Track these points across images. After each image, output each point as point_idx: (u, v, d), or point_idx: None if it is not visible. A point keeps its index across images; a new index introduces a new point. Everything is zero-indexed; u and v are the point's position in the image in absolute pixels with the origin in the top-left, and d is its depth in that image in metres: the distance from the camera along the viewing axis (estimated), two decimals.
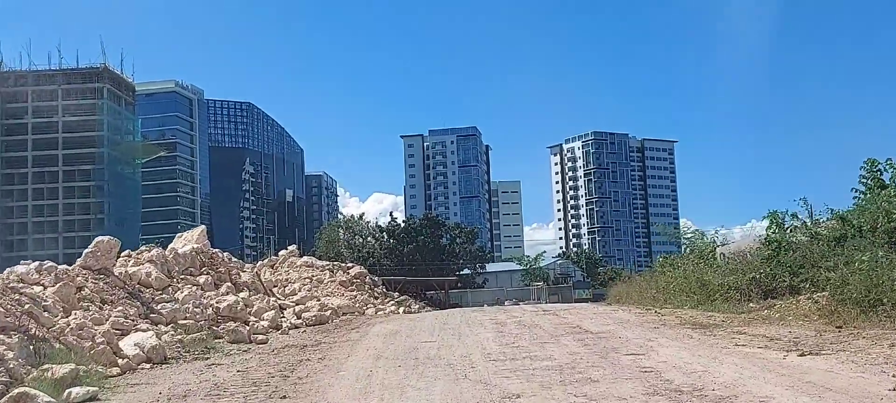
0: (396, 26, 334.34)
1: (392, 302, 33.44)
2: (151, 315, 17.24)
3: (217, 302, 20.36)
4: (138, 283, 20.44)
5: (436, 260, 72.57)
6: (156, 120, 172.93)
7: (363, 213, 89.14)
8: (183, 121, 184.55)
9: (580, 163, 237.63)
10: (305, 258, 37.70)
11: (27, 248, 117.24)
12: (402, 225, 76.41)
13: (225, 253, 29.81)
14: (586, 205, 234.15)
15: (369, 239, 79.55)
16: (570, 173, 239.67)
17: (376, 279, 39.53)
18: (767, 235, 22.67)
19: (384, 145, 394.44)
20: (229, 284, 24.58)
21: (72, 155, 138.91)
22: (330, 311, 24.97)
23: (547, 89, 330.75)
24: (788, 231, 22.27)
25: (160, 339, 14.06)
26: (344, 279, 34.06)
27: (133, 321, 15.75)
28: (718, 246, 30.54)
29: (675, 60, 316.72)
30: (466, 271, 76.36)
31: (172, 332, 15.87)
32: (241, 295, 23.22)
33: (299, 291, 30.67)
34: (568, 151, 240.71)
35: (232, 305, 20.26)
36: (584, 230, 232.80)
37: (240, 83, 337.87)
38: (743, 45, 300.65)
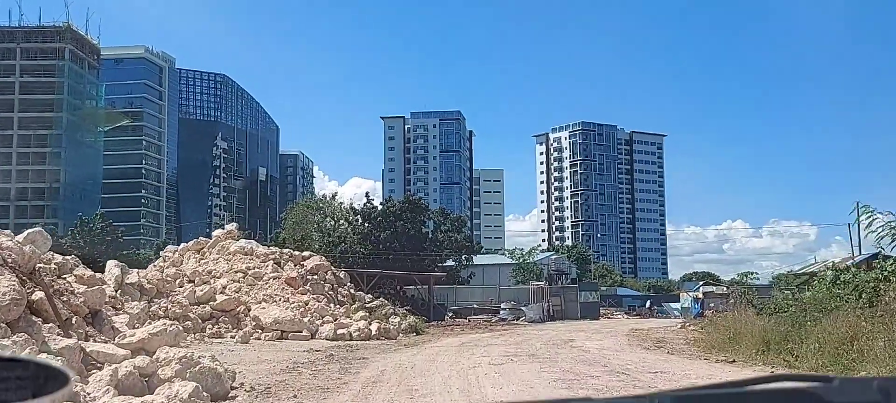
0: (381, 3, 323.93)
1: (361, 310, 24.49)
2: None
3: None
4: None
5: (417, 249, 63.63)
6: (123, 87, 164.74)
7: (336, 193, 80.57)
8: (151, 89, 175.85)
9: (566, 153, 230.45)
10: (243, 242, 28.37)
11: None
12: (380, 207, 67.35)
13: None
14: (571, 198, 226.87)
15: (342, 222, 70.62)
16: (556, 163, 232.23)
17: (342, 275, 30.31)
18: None
19: (365, 129, 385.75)
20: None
21: (28, 118, 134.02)
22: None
23: (535, 76, 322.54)
24: None
25: None
26: (294, 275, 24.97)
27: None
28: None
29: (667, 51, 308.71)
30: (451, 263, 67.45)
31: None
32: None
33: (225, 290, 21.78)
34: (554, 141, 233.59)
35: None
36: (567, 223, 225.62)
37: (214, 53, 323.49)
38: (739, 37, 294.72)
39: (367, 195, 69.71)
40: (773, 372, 12.90)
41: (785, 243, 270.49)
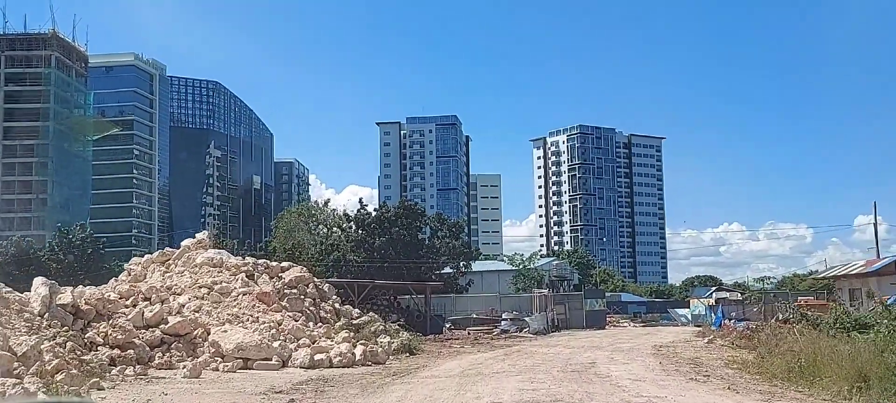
0: (375, 6, 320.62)
1: (345, 330, 21.13)
2: None
3: None
4: None
5: (413, 255, 60.53)
6: (112, 95, 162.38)
7: (328, 200, 77.48)
8: (142, 97, 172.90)
9: (564, 157, 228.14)
10: (212, 253, 24.83)
11: None
12: (374, 213, 64.22)
13: None
14: (569, 202, 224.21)
15: (335, 229, 67.55)
16: (554, 168, 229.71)
17: (326, 287, 26.86)
18: None
19: (361, 136, 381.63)
20: None
21: (14, 128, 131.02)
22: None
23: (531, 79, 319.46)
24: None
25: None
26: (268, 289, 21.60)
27: None
28: None
29: (664, 53, 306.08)
30: (449, 270, 64.31)
31: None
32: None
33: (183, 309, 18.46)
34: (552, 145, 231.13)
35: None
36: (566, 228, 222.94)
37: (206, 60, 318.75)
38: (737, 40, 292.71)
39: (360, 201, 66.74)
40: None
41: (782, 245, 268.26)
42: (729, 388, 12.55)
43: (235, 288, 21.62)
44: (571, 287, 75.31)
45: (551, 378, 14.46)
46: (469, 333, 42.93)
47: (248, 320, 19.31)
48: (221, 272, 23.04)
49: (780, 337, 17.61)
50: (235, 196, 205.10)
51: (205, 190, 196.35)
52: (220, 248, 49.24)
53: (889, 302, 32.87)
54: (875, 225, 57.22)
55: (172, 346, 17.63)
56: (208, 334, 17.96)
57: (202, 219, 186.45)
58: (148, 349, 17.24)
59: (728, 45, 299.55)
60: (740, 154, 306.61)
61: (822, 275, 56.10)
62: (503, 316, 47.06)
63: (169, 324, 17.84)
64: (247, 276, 22.96)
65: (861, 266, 46.18)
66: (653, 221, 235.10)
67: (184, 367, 15.71)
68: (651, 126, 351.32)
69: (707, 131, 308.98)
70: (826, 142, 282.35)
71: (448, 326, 46.03)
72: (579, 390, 11.87)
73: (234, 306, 20.31)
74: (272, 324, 19.33)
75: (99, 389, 13.21)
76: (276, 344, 17.97)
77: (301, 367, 17.51)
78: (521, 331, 43.54)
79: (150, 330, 17.81)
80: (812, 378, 12.32)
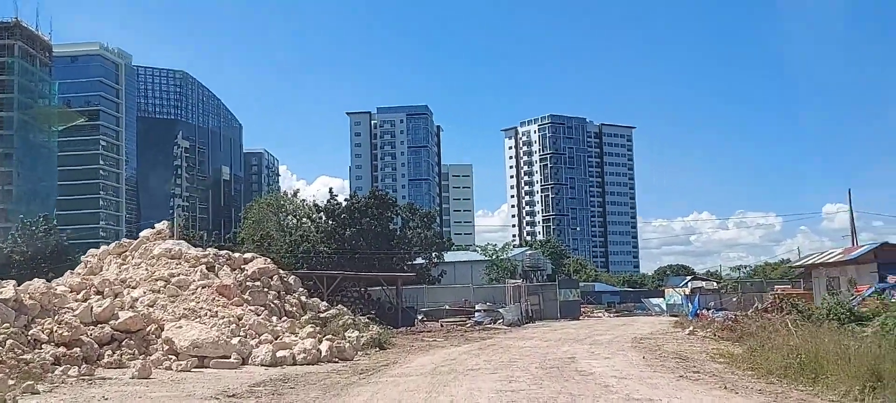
0: None
1: (311, 324, 19.95)
2: None
3: None
4: None
5: (384, 246, 59.38)
6: (78, 85, 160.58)
7: (297, 190, 76.09)
8: (108, 87, 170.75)
9: (536, 147, 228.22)
10: (171, 243, 23.46)
11: None
12: (344, 204, 62.96)
13: None
14: (541, 192, 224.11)
15: (304, 220, 66.25)
16: (525, 158, 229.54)
17: (292, 280, 25.62)
18: None
19: (332, 126, 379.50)
20: None
21: None
22: None
23: (503, 69, 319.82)
24: None
25: None
26: (228, 282, 20.38)
27: None
28: None
29: (635, 42, 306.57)
30: (421, 261, 63.20)
31: None
32: None
33: (139, 301, 17.23)
34: (523, 135, 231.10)
35: None
36: (538, 217, 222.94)
37: (173, 50, 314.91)
38: (707, 29, 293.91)
39: (330, 191, 65.40)
40: None
41: (751, 234, 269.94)
42: (725, 388, 11.55)
43: (194, 280, 20.37)
44: (545, 277, 74.36)
45: (530, 376, 13.41)
46: (442, 325, 41.88)
47: (205, 315, 18.10)
48: (180, 264, 21.75)
49: (773, 330, 16.67)
50: (204, 187, 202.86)
51: (173, 181, 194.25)
52: (187, 240, 47.91)
53: (867, 292, 32.20)
54: (851, 213, 56.84)
55: (123, 344, 16.39)
56: (162, 330, 16.76)
57: (171, 211, 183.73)
58: (97, 347, 15.98)
59: (698, 36, 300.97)
60: (710, 143, 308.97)
61: (797, 264, 55.56)
62: (477, 308, 46.01)
63: (119, 320, 16.62)
64: (207, 268, 21.69)
65: (839, 254, 45.50)
66: (624, 211, 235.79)
67: (134, 367, 14.51)
68: (622, 116, 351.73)
69: (677, 121, 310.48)
70: (795, 132, 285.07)
71: (420, 318, 44.97)
72: (563, 391, 10.84)
73: (192, 300, 19.07)
74: (232, 319, 18.11)
75: (33, 392, 12.00)
76: (235, 341, 16.76)
77: (262, 365, 16.32)
78: (495, 323, 42.53)
79: (100, 326, 16.55)
80: (813, 375, 11.36)
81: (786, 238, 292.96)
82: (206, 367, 15.80)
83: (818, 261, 46.45)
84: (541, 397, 10.43)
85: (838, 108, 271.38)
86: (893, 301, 21.32)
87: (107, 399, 11.60)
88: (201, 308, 18.51)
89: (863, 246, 46.44)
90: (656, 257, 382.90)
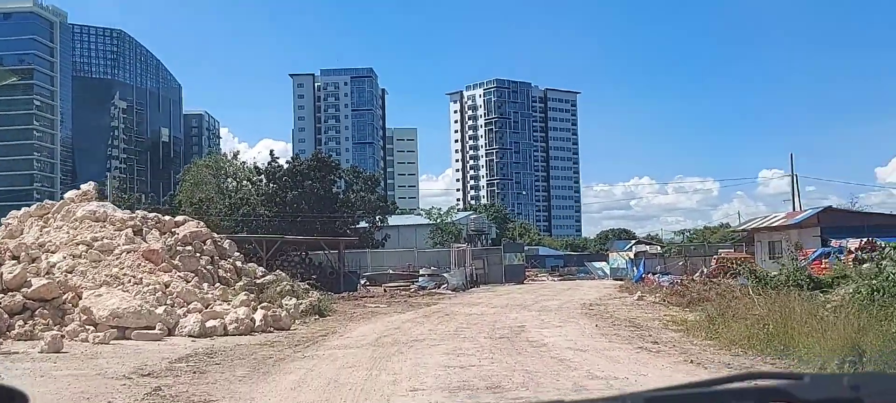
0: None
1: (245, 292, 18.81)
2: None
3: None
4: None
5: (327, 210, 58.16)
6: (10, 43, 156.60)
7: (238, 152, 74.32)
8: (42, 45, 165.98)
9: (480, 111, 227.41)
10: (95, 205, 21.96)
11: None
12: (286, 166, 61.55)
13: None
14: (486, 156, 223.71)
15: (245, 182, 64.73)
16: (470, 122, 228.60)
17: (227, 244, 24.30)
18: None
19: (275, 88, 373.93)
20: None
21: None
22: None
23: (449, 32, 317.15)
24: None
25: None
26: (156, 247, 19.09)
27: None
28: None
29: (580, 7, 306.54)
30: (364, 224, 62.13)
31: None
32: None
33: (57, 266, 15.95)
34: (468, 99, 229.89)
35: None
36: (482, 182, 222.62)
37: (110, 7, 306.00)
38: None
39: (271, 153, 63.86)
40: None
41: (689, 199, 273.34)
42: (691, 362, 10.78)
43: (119, 245, 19.03)
44: (489, 241, 73.86)
45: (479, 348, 12.51)
46: (385, 290, 40.92)
47: (129, 282, 16.86)
48: (105, 227, 20.34)
49: (733, 297, 16.00)
50: (143, 149, 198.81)
51: (110, 142, 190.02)
52: (122, 203, 45.99)
53: (813, 255, 32.02)
54: (793, 177, 56.99)
55: (36, 313, 15.15)
56: (80, 299, 15.55)
57: (108, 173, 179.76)
58: (7, 317, 14.72)
59: (641, 1, 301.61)
60: (651, 109, 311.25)
61: (739, 228, 55.65)
62: (421, 272, 45.11)
63: (32, 287, 15.34)
64: (134, 232, 20.30)
65: (782, 218, 45.54)
66: (568, 175, 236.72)
67: (45, 339, 13.30)
68: (566, 81, 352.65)
69: (621, 86, 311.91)
70: (733, 97, 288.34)
71: (363, 283, 43.97)
72: (517, 366, 9.95)
73: (116, 266, 17.78)
74: (158, 287, 16.89)
75: None
76: (160, 310, 15.58)
77: (189, 336, 15.17)
78: (439, 287, 41.72)
79: (10, 294, 15.28)
80: (782, 347, 10.64)
81: (722, 203, 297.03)
82: (127, 339, 14.60)
83: (761, 225, 46.45)
84: (494, 374, 9.54)
85: (778, 75, 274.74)
86: (847, 264, 20.88)
87: (0, 377, 10.38)
88: (125, 274, 17.24)
89: (805, 210, 46.57)
90: (597, 221, 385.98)
